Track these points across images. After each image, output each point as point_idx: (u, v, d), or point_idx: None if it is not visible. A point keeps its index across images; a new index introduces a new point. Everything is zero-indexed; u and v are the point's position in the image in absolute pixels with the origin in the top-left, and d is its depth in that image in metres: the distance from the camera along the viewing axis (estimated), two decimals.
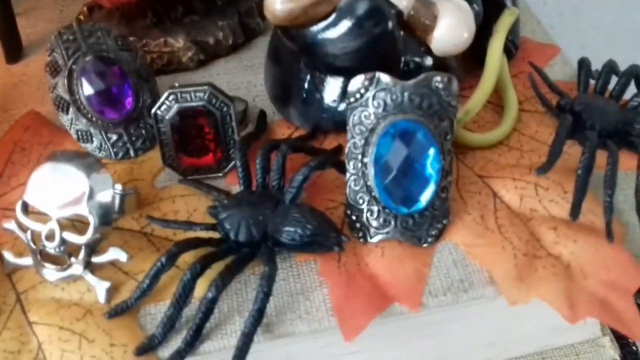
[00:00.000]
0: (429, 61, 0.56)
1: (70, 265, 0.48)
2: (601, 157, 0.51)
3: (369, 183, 0.50)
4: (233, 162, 0.55)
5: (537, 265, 0.48)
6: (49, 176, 0.49)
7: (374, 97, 0.50)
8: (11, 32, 0.67)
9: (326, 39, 0.53)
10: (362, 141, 0.50)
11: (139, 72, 0.57)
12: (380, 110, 0.50)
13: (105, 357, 0.45)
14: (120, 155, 0.57)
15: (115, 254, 0.48)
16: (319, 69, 0.56)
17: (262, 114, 0.59)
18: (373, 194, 0.50)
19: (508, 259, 0.49)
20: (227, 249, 0.48)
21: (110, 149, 0.57)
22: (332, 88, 0.56)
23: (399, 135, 0.49)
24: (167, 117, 0.53)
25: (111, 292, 0.48)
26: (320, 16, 0.52)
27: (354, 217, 0.50)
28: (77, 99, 0.56)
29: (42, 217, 0.49)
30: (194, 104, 0.53)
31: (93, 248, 0.49)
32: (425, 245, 0.50)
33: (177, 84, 0.54)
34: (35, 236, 0.49)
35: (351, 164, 0.50)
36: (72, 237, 0.48)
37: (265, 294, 0.45)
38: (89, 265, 0.48)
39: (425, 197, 0.49)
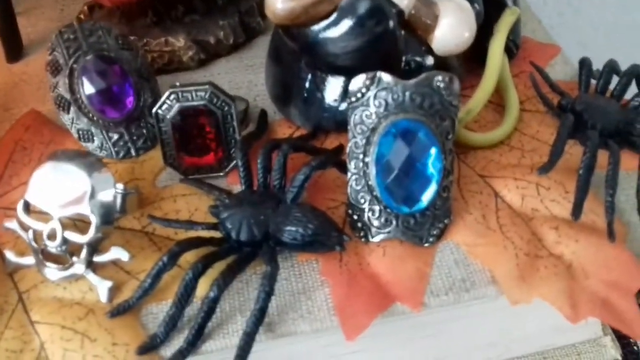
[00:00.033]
0: (430, 60, 0.56)
1: (72, 265, 0.48)
2: (602, 156, 0.51)
3: (370, 182, 0.50)
4: (234, 162, 0.55)
5: (539, 265, 0.48)
6: (51, 175, 0.49)
7: (375, 97, 0.50)
8: (12, 31, 0.67)
9: (327, 38, 0.53)
10: (364, 141, 0.50)
11: (140, 71, 0.57)
12: (382, 109, 0.50)
13: (108, 356, 0.45)
14: (121, 154, 0.57)
15: (117, 253, 0.48)
16: (320, 69, 0.56)
17: (263, 114, 0.59)
18: (374, 193, 0.50)
19: (510, 258, 0.49)
20: (229, 249, 0.48)
21: (112, 148, 0.57)
22: (333, 87, 0.56)
23: (400, 135, 0.49)
24: (168, 117, 0.53)
25: (113, 292, 0.48)
26: (321, 15, 0.52)
27: (355, 217, 0.50)
28: (78, 98, 0.56)
29: (43, 216, 0.49)
30: (195, 103, 0.53)
31: (95, 247, 0.49)
32: (426, 244, 0.50)
33: (178, 84, 0.54)
34: (37, 235, 0.49)
35: (352, 163, 0.50)
36: (73, 237, 0.48)
37: (267, 293, 0.45)
38: (90, 265, 0.48)
39: (426, 196, 0.49)
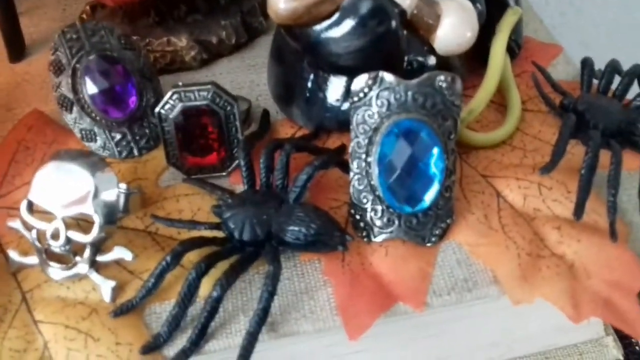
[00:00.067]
0: (432, 60, 0.56)
1: (75, 264, 0.48)
2: (604, 156, 0.51)
3: (372, 182, 0.50)
4: (237, 162, 0.55)
5: (541, 265, 0.48)
6: (54, 175, 0.49)
7: (377, 97, 0.50)
8: (14, 31, 0.67)
9: (329, 38, 0.53)
10: (366, 140, 0.50)
11: (143, 71, 0.58)
12: (384, 109, 0.50)
13: (111, 356, 0.45)
14: (124, 154, 0.57)
15: (120, 252, 0.48)
16: (322, 68, 0.56)
17: (266, 113, 0.59)
18: (377, 193, 0.50)
19: (512, 258, 0.49)
20: (232, 248, 0.48)
21: (114, 148, 0.57)
22: (335, 87, 0.56)
23: (402, 135, 0.49)
24: (171, 116, 0.53)
25: (116, 291, 0.48)
26: (323, 15, 0.52)
27: (357, 217, 0.51)
28: (81, 97, 0.56)
29: (46, 216, 0.49)
30: (197, 103, 0.53)
31: (98, 247, 0.49)
32: (429, 244, 0.50)
33: (180, 83, 0.54)
34: (41, 235, 0.49)
35: (355, 163, 0.50)
36: (77, 236, 0.48)
37: (270, 293, 0.45)
38: (94, 264, 0.48)
39: (429, 196, 0.49)
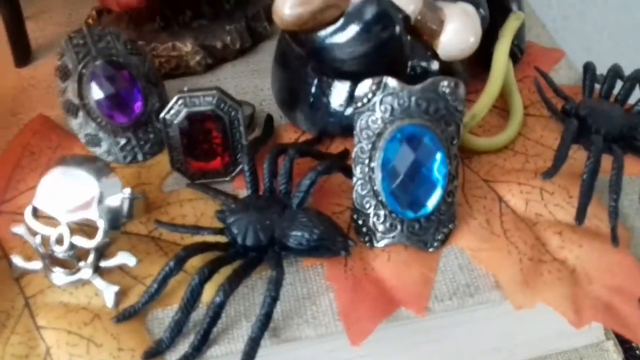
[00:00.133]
0: (435, 66, 0.56)
1: (78, 270, 0.48)
2: (606, 161, 0.51)
3: (375, 187, 0.50)
4: (240, 167, 0.55)
5: (543, 270, 0.48)
6: (60, 180, 0.49)
7: (381, 102, 0.50)
8: (20, 35, 0.67)
9: (334, 43, 0.53)
10: (369, 146, 0.50)
11: (148, 76, 0.58)
12: (388, 114, 0.50)
13: None
14: (128, 159, 0.57)
15: (123, 258, 0.48)
16: (326, 74, 0.56)
17: (269, 119, 0.59)
18: (380, 198, 0.50)
19: (514, 263, 0.49)
20: (235, 254, 0.49)
21: (119, 153, 0.57)
22: (339, 92, 0.56)
23: (406, 140, 0.50)
24: (175, 122, 0.54)
25: (119, 297, 0.48)
26: (328, 21, 0.52)
27: (360, 222, 0.51)
28: (87, 103, 0.56)
29: (51, 221, 0.49)
30: (202, 108, 0.53)
31: (102, 252, 0.49)
32: (431, 249, 0.50)
33: (185, 89, 0.54)
34: (45, 240, 0.49)
35: (358, 168, 0.51)
36: (81, 242, 0.49)
37: (273, 298, 0.45)
38: (97, 270, 0.48)
39: (431, 201, 0.50)
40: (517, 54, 0.62)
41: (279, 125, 0.60)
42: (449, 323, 0.50)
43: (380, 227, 0.50)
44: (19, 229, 0.50)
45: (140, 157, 0.57)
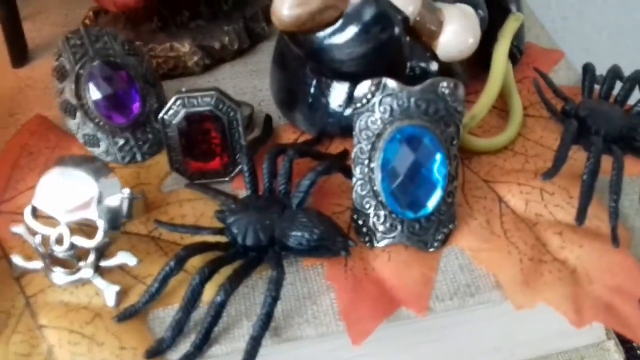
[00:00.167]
0: (434, 66, 0.56)
1: (79, 269, 0.48)
2: (606, 162, 0.51)
3: (375, 188, 0.50)
4: (239, 167, 0.55)
5: (543, 270, 0.49)
6: (58, 181, 0.49)
7: (380, 103, 0.50)
8: (17, 35, 0.67)
9: (333, 44, 0.53)
10: (369, 146, 0.50)
11: (146, 77, 0.58)
12: (387, 115, 0.50)
13: None
14: (127, 159, 0.57)
15: (124, 257, 0.48)
16: (325, 74, 0.56)
17: (268, 119, 0.59)
18: (380, 198, 0.50)
19: (514, 263, 0.49)
20: (235, 253, 0.49)
21: (117, 153, 0.57)
22: (338, 93, 0.56)
23: (405, 141, 0.50)
24: (174, 122, 0.53)
25: (120, 296, 0.48)
26: (327, 22, 0.53)
27: (360, 222, 0.51)
28: (85, 103, 0.56)
29: (50, 221, 0.49)
30: (201, 108, 0.53)
31: (102, 252, 0.49)
32: (431, 249, 0.50)
33: (184, 89, 0.54)
34: (45, 240, 0.49)
35: (358, 168, 0.51)
36: (81, 241, 0.48)
37: (273, 298, 0.45)
38: (97, 269, 0.48)
39: (431, 202, 0.50)
40: (516, 54, 0.62)
41: (278, 126, 0.60)
42: (450, 323, 0.50)
43: (381, 227, 0.50)
44: (18, 229, 0.50)
45: (139, 157, 0.57)
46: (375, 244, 0.50)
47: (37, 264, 0.49)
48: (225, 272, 0.47)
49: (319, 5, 0.51)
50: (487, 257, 0.50)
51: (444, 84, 0.50)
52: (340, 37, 0.53)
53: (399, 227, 0.50)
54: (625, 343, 0.53)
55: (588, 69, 0.59)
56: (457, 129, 0.50)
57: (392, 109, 0.50)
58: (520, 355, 0.52)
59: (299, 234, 0.48)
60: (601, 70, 0.59)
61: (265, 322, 0.45)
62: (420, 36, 0.55)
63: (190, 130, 0.54)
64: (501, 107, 0.60)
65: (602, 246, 0.50)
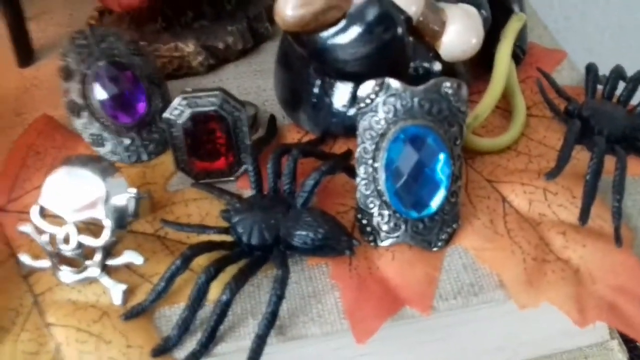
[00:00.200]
0: (437, 66, 0.56)
1: (86, 268, 0.49)
2: (609, 162, 0.51)
3: (379, 188, 0.50)
4: (244, 167, 0.55)
5: (547, 270, 0.49)
6: (65, 180, 0.49)
7: (384, 103, 0.50)
8: (22, 36, 0.67)
9: (336, 44, 0.53)
10: (373, 146, 0.51)
11: (151, 77, 0.58)
12: (390, 115, 0.50)
13: (122, 359, 0.45)
14: (133, 159, 0.57)
15: (130, 256, 0.48)
16: (328, 74, 0.56)
17: (272, 119, 0.59)
18: (384, 198, 0.50)
19: (517, 263, 0.49)
20: (240, 253, 0.49)
21: (123, 153, 0.57)
22: (341, 93, 0.57)
23: (409, 141, 0.50)
24: (179, 122, 0.54)
25: (127, 295, 0.48)
26: (330, 22, 0.53)
27: (364, 221, 0.51)
28: (91, 103, 0.56)
29: (57, 220, 0.49)
30: (206, 108, 0.54)
31: (109, 251, 0.49)
32: (435, 249, 0.50)
33: (189, 89, 0.54)
34: (52, 239, 0.49)
35: (362, 168, 0.51)
36: (88, 240, 0.49)
37: (278, 297, 0.46)
38: (104, 268, 0.49)
39: (435, 201, 0.50)
40: (519, 55, 0.62)
41: (282, 126, 0.60)
42: (453, 322, 0.50)
43: (385, 227, 0.51)
44: (26, 228, 0.50)
45: (144, 157, 0.57)
46: (379, 244, 0.51)
47: (45, 263, 0.49)
48: (230, 271, 0.47)
49: (322, 5, 0.52)
50: (490, 256, 0.50)
51: (447, 84, 0.50)
52: (344, 38, 0.53)
53: (403, 227, 0.50)
54: (628, 342, 0.53)
55: (591, 69, 0.59)
56: (460, 129, 0.51)
57: (395, 109, 0.50)
58: (523, 354, 0.53)
59: (303, 233, 0.48)
60: (604, 70, 0.60)
61: (271, 320, 0.45)
62: (424, 36, 0.55)
63: (195, 130, 0.54)
64: (504, 107, 0.60)
65: (605, 246, 0.50)
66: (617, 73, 0.59)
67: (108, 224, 0.49)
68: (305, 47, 0.55)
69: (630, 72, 0.59)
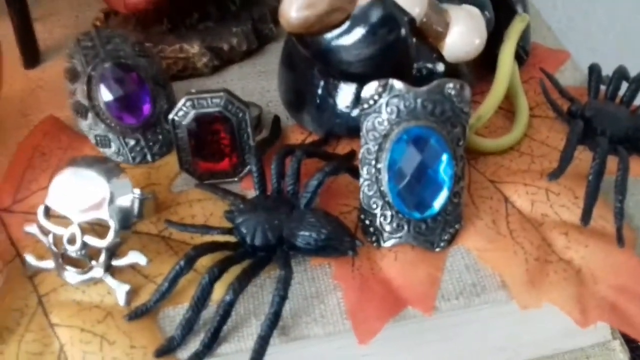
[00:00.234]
0: (441, 67, 0.56)
1: (91, 269, 0.49)
2: (612, 162, 0.51)
3: (382, 188, 0.50)
4: (248, 167, 0.55)
5: (549, 270, 0.49)
6: (71, 181, 0.50)
7: (387, 104, 0.51)
8: (29, 37, 0.68)
9: (340, 46, 0.54)
10: (376, 147, 0.51)
11: (156, 78, 0.58)
12: (394, 116, 0.50)
13: (126, 359, 0.46)
14: (137, 160, 0.57)
15: (135, 257, 0.49)
16: (332, 75, 0.57)
17: (276, 120, 0.60)
18: (387, 199, 0.50)
19: (520, 263, 0.49)
20: (244, 253, 0.49)
21: (128, 154, 0.57)
22: (345, 94, 0.57)
23: (412, 142, 0.50)
24: (184, 123, 0.54)
25: (131, 295, 0.48)
26: (334, 24, 0.53)
27: (367, 222, 0.51)
28: (96, 104, 0.57)
29: (62, 220, 0.50)
30: (210, 110, 0.54)
31: (113, 251, 0.49)
32: (437, 249, 0.51)
33: (193, 90, 0.54)
34: (57, 240, 0.50)
35: (365, 169, 0.51)
36: (93, 241, 0.49)
37: (282, 297, 0.46)
38: (109, 269, 0.49)
39: (438, 202, 0.50)
40: (522, 55, 0.62)
41: (286, 127, 0.60)
42: (456, 322, 0.50)
43: (387, 228, 0.51)
44: (31, 228, 0.50)
45: (149, 157, 0.58)
46: (382, 244, 0.51)
47: (50, 263, 0.50)
48: (234, 271, 0.47)
49: (327, 7, 0.52)
50: (493, 257, 0.50)
51: (451, 85, 0.50)
52: (348, 39, 0.53)
53: (406, 227, 0.51)
54: (630, 342, 0.53)
55: (594, 70, 0.59)
56: (463, 130, 0.51)
57: (398, 110, 0.50)
58: (525, 354, 0.53)
59: (307, 233, 0.48)
60: (607, 70, 0.60)
61: (274, 321, 0.46)
62: (427, 37, 0.55)
63: (199, 131, 0.54)
64: (507, 107, 0.60)
65: (607, 246, 0.50)
66: (620, 73, 0.59)
67: (112, 224, 0.49)
68: (309, 49, 0.56)
69: (633, 72, 0.59)
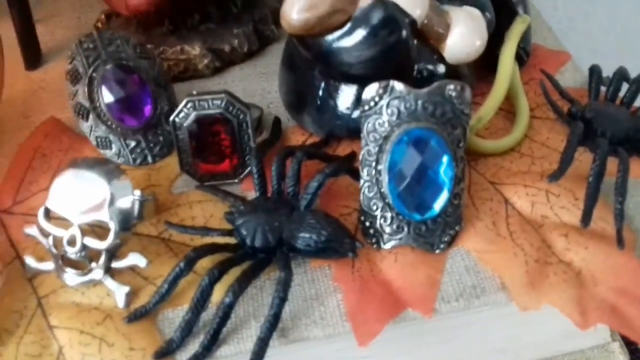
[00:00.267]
0: (441, 69, 0.56)
1: (90, 270, 0.49)
2: (612, 164, 0.51)
3: (382, 190, 0.50)
4: (249, 169, 0.55)
5: (549, 272, 0.49)
6: (71, 183, 0.50)
7: (388, 105, 0.51)
8: (31, 38, 0.68)
9: (341, 47, 0.54)
10: (376, 148, 0.51)
11: (157, 80, 0.58)
12: (394, 118, 0.50)
13: None
14: (138, 161, 0.58)
15: (134, 259, 0.49)
16: (333, 77, 0.57)
17: (277, 121, 0.60)
18: (387, 200, 0.50)
19: (519, 265, 0.49)
20: (244, 255, 0.49)
21: (129, 155, 0.57)
22: (346, 95, 0.57)
23: (412, 143, 0.50)
24: (185, 125, 0.54)
25: (130, 297, 0.48)
26: (335, 25, 0.53)
27: (367, 224, 0.51)
28: (97, 106, 0.57)
29: (62, 222, 0.50)
30: (211, 111, 0.54)
31: (113, 253, 0.49)
32: (437, 251, 0.51)
33: (194, 92, 0.54)
34: (57, 241, 0.50)
35: (365, 170, 0.51)
36: (93, 243, 0.49)
37: (281, 299, 0.46)
38: (109, 270, 0.49)
39: (438, 204, 0.50)
40: (523, 56, 0.62)
41: (287, 128, 0.60)
42: (455, 324, 0.50)
43: (387, 229, 0.51)
44: (31, 230, 0.50)
45: (150, 159, 0.58)
46: (382, 246, 0.51)
47: (50, 265, 0.50)
48: (234, 273, 0.47)
49: (328, 9, 0.52)
50: (492, 258, 0.50)
51: (451, 86, 0.50)
52: (349, 41, 0.53)
53: (406, 229, 0.51)
54: (630, 345, 0.53)
55: (594, 71, 0.59)
56: (463, 131, 0.51)
57: (399, 112, 0.50)
58: (525, 356, 0.53)
59: (307, 235, 0.48)
60: (608, 72, 0.60)
61: (273, 323, 0.46)
62: (428, 39, 0.55)
63: (200, 132, 0.54)
64: (508, 109, 0.60)
65: (607, 248, 0.50)
66: (621, 75, 0.59)
67: (113, 226, 0.49)
68: (310, 50, 0.56)
69: (633, 73, 0.59)
